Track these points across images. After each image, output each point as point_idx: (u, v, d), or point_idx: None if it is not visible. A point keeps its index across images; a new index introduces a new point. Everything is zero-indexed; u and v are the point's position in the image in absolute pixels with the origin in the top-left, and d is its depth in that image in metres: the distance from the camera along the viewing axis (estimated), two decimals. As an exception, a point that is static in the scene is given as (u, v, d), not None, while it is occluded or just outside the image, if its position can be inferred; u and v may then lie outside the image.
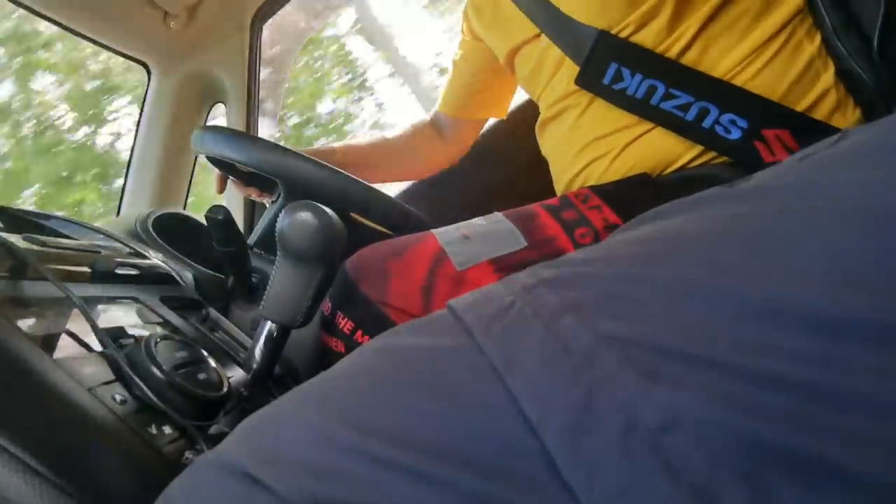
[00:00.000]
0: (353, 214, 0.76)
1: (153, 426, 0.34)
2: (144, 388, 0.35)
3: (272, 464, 0.21)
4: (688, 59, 0.61)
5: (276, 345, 0.51)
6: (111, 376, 0.35)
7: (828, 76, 0.58)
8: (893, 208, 0.20)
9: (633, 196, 0.61)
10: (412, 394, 0.22)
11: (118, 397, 0.34)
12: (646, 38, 0.62)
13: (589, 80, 0.65)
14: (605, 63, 0.63)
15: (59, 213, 0.56)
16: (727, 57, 0.60)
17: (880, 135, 0.25)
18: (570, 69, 0.68)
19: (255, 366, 0.51)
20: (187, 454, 0.35)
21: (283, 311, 0.49)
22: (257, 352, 0.51)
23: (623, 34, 0.63)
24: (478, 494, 0.18)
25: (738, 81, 0.59)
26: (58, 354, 0.34)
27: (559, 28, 0.67)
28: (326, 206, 0.48)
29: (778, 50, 0.59)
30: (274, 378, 0.55)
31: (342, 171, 0.66)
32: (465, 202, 1.07)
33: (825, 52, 0.59)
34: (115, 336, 0.40)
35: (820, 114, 0.58)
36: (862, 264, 0.19)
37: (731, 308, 0.19)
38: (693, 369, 0.18)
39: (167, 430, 0.35)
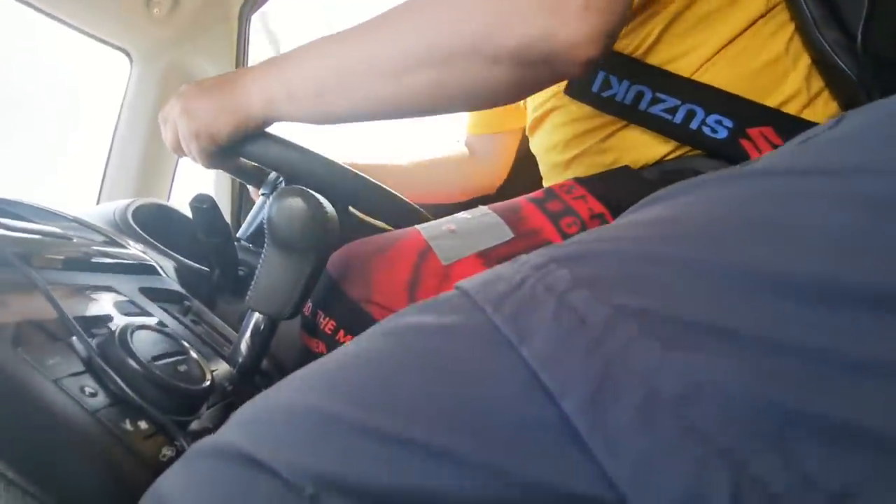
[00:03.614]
0: (353, 210, 0.73)
1: (127, 421, 0.31)
2: (118, 379, 0.32)
3: (274, 445, 0.20)
4: (654, 59, 0.61)
5: (263, 338, 0.48)
6: (81, 367, 0.32)
7: (797, 73, 0.58)
8: (888, 191, 0.20)
9: (616, 186, 0.61)
10: (423, 370, 0.21)
11: (88, 390, 0.31)
12: (616, 44, 0.61)
13: (578, 90, 0.65)
14: (593, 72, 0.63)
15: (30, 200, 0.52)
16: (692, 54, 0.59)
17: (872, 121, 0.26)
18: None
19: (240, 359, 0.48)
20: (165, 451, 0.32)
21: (270, 302, 0.46)
22: (243, 345, 0.48)
23: None
24: (496, 467, 0.18)
25: (704, 79, 0.59)
26: (20, 344, 0.30)
27: None
28: (329, 199, 0.45)
29: (744, 48, 0.58)
30: (261, 372, 0.52)
31: (345, 165, 0.64)
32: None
33: (798, 47, 0.58)
34: (87, 326, 0.37)
35: (791, 110, 0.58)
36: (866, 241, 0.19)
37: (742, 281, 0.19)
38: (710, 338, 0.18)
39: (143, 425, 0.32)
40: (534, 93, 0.52)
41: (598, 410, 0.18)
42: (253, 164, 0.65)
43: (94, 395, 0.31)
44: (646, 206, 0.28)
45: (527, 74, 0.46)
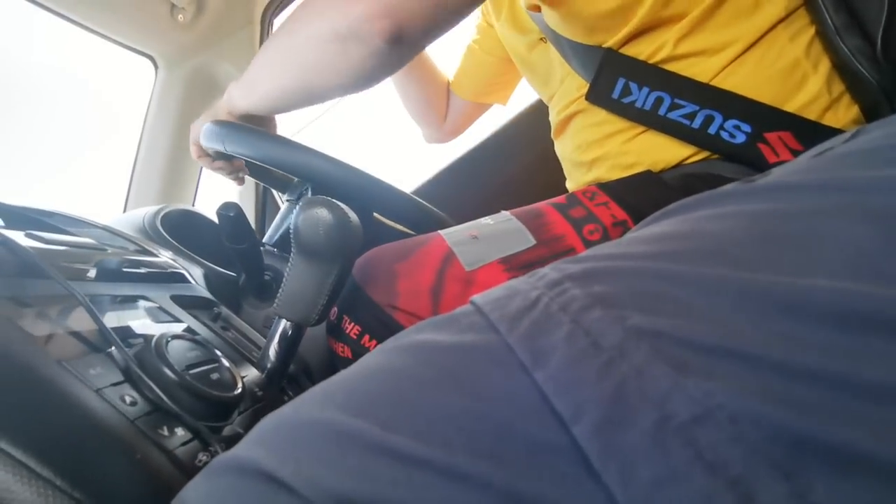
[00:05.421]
0: (375, 214, 0.75)
1: (164, 428, 0.32)
2: (155, 388, 0.34)
3: (293, 463, 0.20)
4: (673, 65, 0.61)
5: (290, 343, 0.50)
6: (120, 377, 0.34)
7: (817, 77, 0.57)
8: None
9: (639, 193, 0.62)
10: (438, 391, 0.21)
11: (128, 399, 0.32)
12: (633, 49, 0.63)
13: (598, 96, 0.67)
14: (614, 79, 0.64)
15: (63, 210, 0.54)
16: (711, 60, 0.60)
17: (892, 134, 0.25)
18: (578, 77, 0.70)
19: (269, 365, 0.49)
20: (200, 456, 0.33)
21: (297, 309, 0.47)
22: (271, 351, 0.49)
23: (614, 48, 0.64)
24: (510, 492, 0.18)
25: (724, 84, 0.59)
26: (63, 356, 0.32)
27: (561, 45, 0.69)
28: (348, 204, 0.46)
29: (763, 53, 0.58)
30: (288, 377, 0.53)
31: (365, 171, 0.65)
32: (478, 200, 1.06)
33: (818, 50, 0.58)
34: (123, 336, 0.38)
35: (811, 115, 0.57)
36: (886, 260, 0.19)
37: (758, 302, 0.19)
38: (724, 362, 0.18)
39: (179, 431, 0.33)
40: (379, 74, 0.59)
41: (608, 436, 0.18)
42: (280, 171, 0.66)
43: (133, 403, 0.32)
44: (660, 218, 0.28)
45: (349, 50, 0.55)
